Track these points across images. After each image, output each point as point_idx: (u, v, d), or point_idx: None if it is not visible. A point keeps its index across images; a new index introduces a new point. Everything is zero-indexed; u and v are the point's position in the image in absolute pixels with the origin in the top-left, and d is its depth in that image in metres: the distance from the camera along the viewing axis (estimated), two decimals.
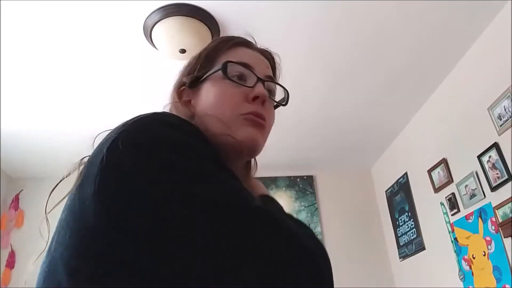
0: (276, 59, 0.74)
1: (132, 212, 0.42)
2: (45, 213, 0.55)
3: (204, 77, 0.64)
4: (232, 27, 1.95)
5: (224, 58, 0.64)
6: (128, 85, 2.29)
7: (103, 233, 0.42)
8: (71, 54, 2.03)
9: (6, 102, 2.30)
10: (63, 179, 0.55)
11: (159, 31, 1.88)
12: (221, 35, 1.98)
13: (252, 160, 0.70)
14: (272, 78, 0.68)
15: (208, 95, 0.62)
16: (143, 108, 2.68)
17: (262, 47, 0.72)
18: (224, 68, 0.62)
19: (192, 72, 0.67)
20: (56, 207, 0.55)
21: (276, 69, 0.73)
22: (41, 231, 0.53)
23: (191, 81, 0.65)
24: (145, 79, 2.26)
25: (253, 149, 0.61)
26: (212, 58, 0.66)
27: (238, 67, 0.63)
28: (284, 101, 0.70)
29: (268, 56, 0.72)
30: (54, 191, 0.57)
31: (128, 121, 0.50)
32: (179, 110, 0.64)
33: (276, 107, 0.70)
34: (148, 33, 1.92)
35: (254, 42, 0.72)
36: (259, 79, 0.63)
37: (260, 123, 0.61)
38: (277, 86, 0.70)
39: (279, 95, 0.70)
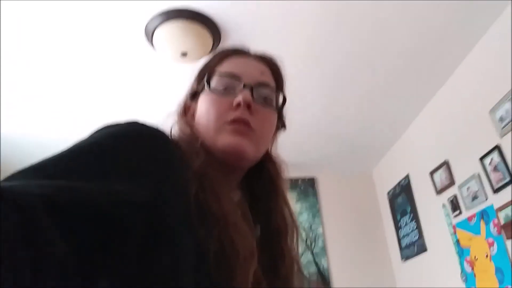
0: (277, 62, 0.72)
1: None
2: None
3: (199, 92, 0.68)
4: (233, 31, 1.95)
5: (216, 71, 0.66)
6: (129, 89, 2.29)
7: None
8: (72, 59, 2.03)
9: (6, 106, 2.30)
10: None
11: (160, 35, 1.88)
12: (222, 39, 1.99)
13: (272, 168, 0.69)
14: (265, 84, 0.65)
15: (199, 108, 0.65)
16: (145, 111, 2.65)
17: (259, 53, 0.71)
18: (208, 82, 0.64)
19: (193, 88, 0.70)
20: None
21: (276, 73, 0.71)
22: None
23: (190, 96, 0.69)
24: (147, 83, 2.26)
25: (237, 156, 0.59)
26: (205, 73, 0.68)
27: (223, 79, 0.64)
28: (279, 105, 0.68)
29: (266, 61, 0.70)
30: None
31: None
32: (182, 122, 0.65)
33: (279, 113, 0.69)
34: (149, 37, 1.92)
35: (247, 50, 0.71)
36: (245, 86, 0.62)
37: (242, 129, 0.59)
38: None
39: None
